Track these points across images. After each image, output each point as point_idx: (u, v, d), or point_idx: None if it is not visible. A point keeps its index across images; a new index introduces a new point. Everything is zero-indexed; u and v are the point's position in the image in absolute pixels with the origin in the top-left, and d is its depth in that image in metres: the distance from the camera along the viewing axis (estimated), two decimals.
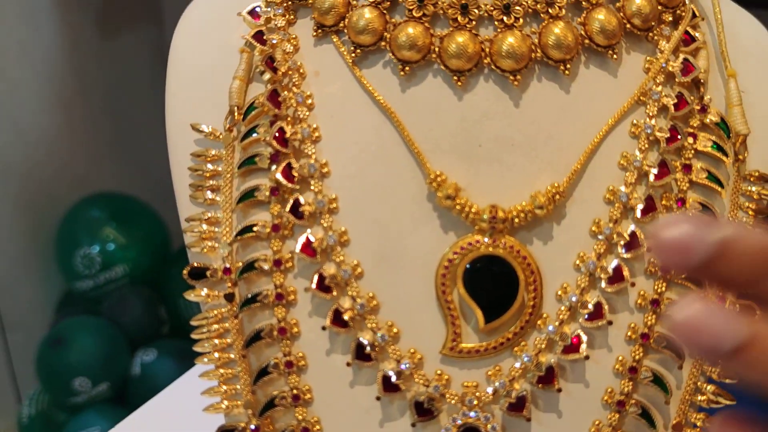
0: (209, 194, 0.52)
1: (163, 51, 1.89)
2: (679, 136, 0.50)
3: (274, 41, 0.52)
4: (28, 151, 1.73)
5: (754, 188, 0.51)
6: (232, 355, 0.52)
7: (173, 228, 1.82)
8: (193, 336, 0.51)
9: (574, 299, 0.50)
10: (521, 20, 0.50)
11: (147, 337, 1.72)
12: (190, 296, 0.51)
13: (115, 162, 1.88)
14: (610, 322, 0.49)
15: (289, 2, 0.52)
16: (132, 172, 1.88)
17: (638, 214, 0.50)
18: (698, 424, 0.51)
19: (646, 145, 0.50)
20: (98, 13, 1.82)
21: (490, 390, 0.50)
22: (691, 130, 0.51)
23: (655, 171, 0.50)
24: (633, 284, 0.50)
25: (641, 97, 0.51)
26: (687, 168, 0.50)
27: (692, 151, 0.50)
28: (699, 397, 0.51)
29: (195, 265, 0.51)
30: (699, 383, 0.51)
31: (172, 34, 0.56)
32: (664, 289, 0.50)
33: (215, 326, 0.51)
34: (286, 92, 0.51)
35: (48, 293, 1.79)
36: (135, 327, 1.72)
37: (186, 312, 1.73)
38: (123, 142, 1.89)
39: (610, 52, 0.51)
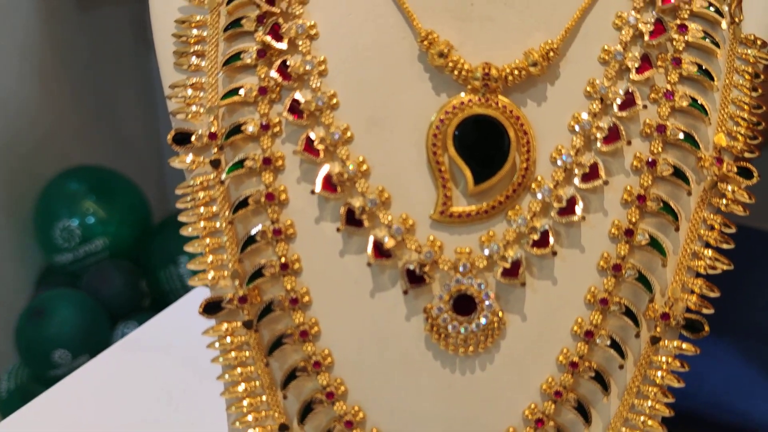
0: (194, 60, 0.50)
1: (144, 23, 1.87)
2: None
3: None
4: (6, 124, 1.70)
5: (749, 51, 0.50)
6: (218, 224, 0.50)
7: (154, 201, 1.80)
8: (178, 205, 0.50)
9: (568, 160, 0.48)
10: None
11: (127, 310, 1.69)
12: (175, 163, 0.50)
13: (95, 135, 1.86)
14: (606, 182, 0.48)
15: None
16: (112, 145, 1.86)
17: (633, 73, 0.49)
18: (695, 290, 0.49)
19: (642, 4, 0.49)
20: None
21: (485, 254, 0.49)
22: None
23: (650, 29, 0.49)
24: (629, 143, 0.48)
25: None
26: (683, 28, 0.49)
27: (688, 12, 0.49)
28: (697, 262, 0.49)
29: (179, 129, 0.50)
30: (696, 248, 0.49)
31: (149, 12, 0.54)
32: (660, 149, 0.49)
33: (201, 194, 0.50)
34: None
35: (27, 267, 1.75)
36: (115, 300, 1.69)
37: (167, 284, 1.71)
38: (103, 114, 1.87)
39: None
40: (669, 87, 0.49)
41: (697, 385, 1.04)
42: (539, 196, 0.48)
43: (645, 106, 0.48)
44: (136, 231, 1.77)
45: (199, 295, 1.00)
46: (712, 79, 0.49)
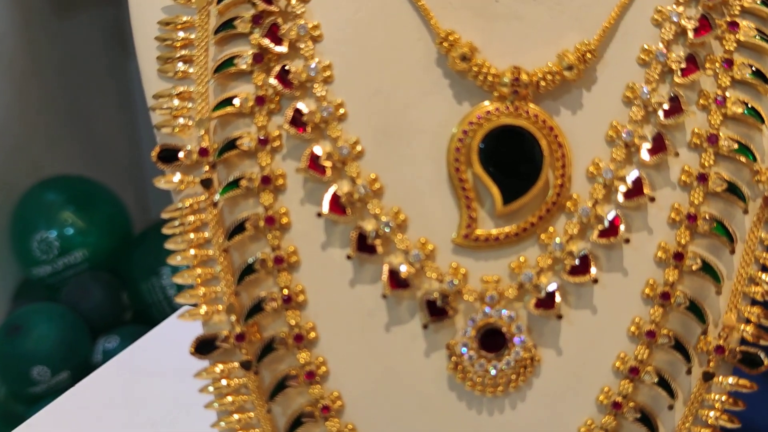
0: (180, 66, 0.44)
1: (120, 30, 1.81)
2: None
3: None
4: None
5: None
6: (210, 252, 0.44)
7: (134, 211, 1.73)
8: (165, 231, 0.44)
9: (609, 176, 0.43)
10: None
11: (109, 323, 1.64)
12: (161, 183, 0.44)
13: (73, 143, 1.79)
14: (652, 199, 0.43)
15: None
16: (90, 153, 1.80)
17: (678, 75, 0.43)
18: (752, 319, 0.44)
19: None
20: None
21: (516, 282, 0.43)
22: None
23: (695, 26, 0.43)
24: (677, 154, 0.43)
25: None
26: (733, 25, 0.44)
27: (739, 8, 0.44)
28: (753, 288, 0.44)
29: (165, 145, 0.44)
30: (752, 272, 0.44)
31: (128, 13, 0.48)
32: (712, 162, 0.43)
33: (191, 218, 0.44)
34: None
35: (4, 281, 1.69)
36: (96, 313, 1.64)
37: (149, 297, 1.65)
38: (80, 123, 1.80)
39: None
40: (720, 92, 0.43)
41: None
42: (575, 217, 0.43)
43: (694, 113, 0.43)
44: (117, 242, 1.71)
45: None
46: (767, 82, 0.43)
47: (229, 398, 0.44)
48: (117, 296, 1.68)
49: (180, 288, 0.45)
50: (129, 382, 0.85)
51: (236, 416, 0.45)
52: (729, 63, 0.43)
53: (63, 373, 1.56)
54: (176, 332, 0.89)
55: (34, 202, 1.70)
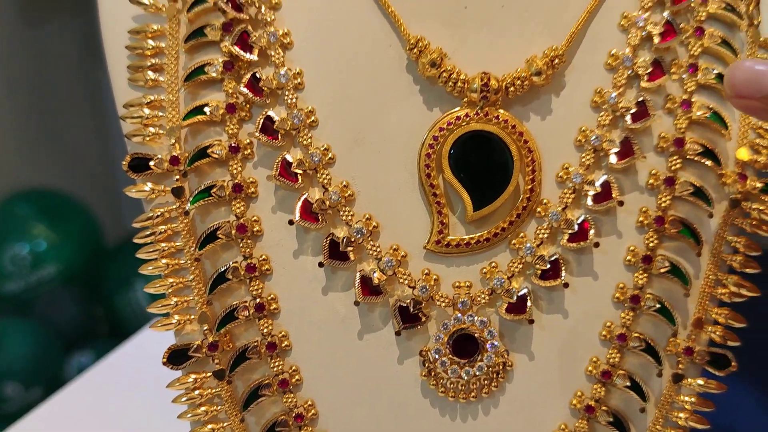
0: (151, 75, 0.44)
1: (93, 37, 1.80)
2: None
3: None
4: None
5: None
6: (182, 261, 0.44)
7: (107, 224, 1.72)
8: (136, 240, 0.43)
9: (578, 180, 0.43)
10: None
11: (83, 338, 1.62)
12: (132, 192, 0.43)
13: (44, 156, 1.77)
14: (621, 203, 0.43)
15: None
16: (62, 166, 1.78)
17: (645, 80, 0.43)
18: (720, 320, 0.44)
19: (650, 4, 0.44)
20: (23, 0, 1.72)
21: (487, 288, 0.43)
22: None
23: (660, 31, 0.44)
24: (644, 158, 0.43)
25: None
26: (699, 31, 0.44)
27: (705, 14, 0.44)
28: (720, 290, 0.44)
29: (136, 154, 0.43)
30: (719, 274, 0.44)
31: (99, 23, 0.48)
32: (679, 166, 0.43)
33: (162, 227, 0.43)
34: None
35: None
36: (69, 328, 1.62)
37: (124, 311, 1.63)
38: (52, 135, 1.78)
39: None
40: (686, 96, 0.44)
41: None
42: (546, 221, 0.43)
43: (660, 117, 0.43)
44: (90, 255, 1.69)
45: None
46: None
47: (203, 408, 0.44)
48: (91, 310, 1.66)
49: (153, 298, 0.44)
50: (101, 396, 0.84)
51: (209, 426, 0.44)
52: (694, 68, 0.44)
53: (36, 390, 1.53)
54: (149, 345, 0.89)
55: (5, 216, 1.67)
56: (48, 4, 1.78)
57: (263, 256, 0.43)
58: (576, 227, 0.43)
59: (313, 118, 0.43)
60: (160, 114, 0.44)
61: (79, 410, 0.82)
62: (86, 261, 1.68)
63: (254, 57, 0.43)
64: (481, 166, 0.43)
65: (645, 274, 0.44)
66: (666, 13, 0.44)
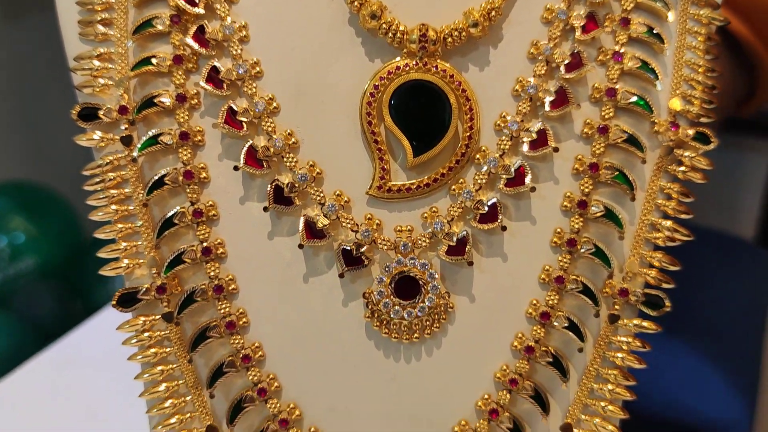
0: (101, 28, 0.45)
1: None
2: None
3: None
4: None
5: (702, 12, 0.47)
6: (131, 208, 0.45)
7: (86, 218, 1.72)
8: (86, 187, 0.45)
9: (514, 127, 0.45)
10: None
11: (61, 331, 1.61)
12: (82, 141, 0.45)
13: (21, 149, 1.78)
14: (556, 149, 0.45)
15: None
16: (40, 159, 1.79)
17: (579, 33, 0.45)
18: (655, 264, 0.46)
19: None
20: None
21: (428, 231, 0.44)
22: None
23: None
24: (578, 106, 0.45)
25: None
26: None
27: None
28: (655, 234, 0.46)
29: (86, 104, 0.45)
30: (654, 219, 0.46)
31: None
32: (612, 114, 0.45)
33: (111, 174, 0.45)
34: None
35: None
36: (47, 321, 1.61)
37: (102, 304, 1.63)
38: (30, 128, 1.79)
39: None
40: (617, 48, 0.45)
41: (650, 385, 1.02)
42: (485, 167, 0.45)
43: (594, 68, 0.45)
44: (69, 249, 1.70)
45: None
46: (662, 42, 0.46)
47: (152, 350, 0.45)
48: (70, 304, 1.66)
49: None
50: (61, 373, 0.85)
51: (159, 368, 0.46)
52: (626, 22, 0.46)
53: None
54: (107, 325, 0.90)
55: None
56: None
57: (210, 202, 0.45)
58: (513, 173, 0.44)
59: (258, 69, 0.45)
60: (110, 66, 0.45)
61: (41, 387, 0.83)
62: (65, 254, 1.68)
63: (201, 10, 0.44)
64: (420, 114, 0.45)
65: (581, 219, 0.45)
66: None
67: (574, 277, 0.45)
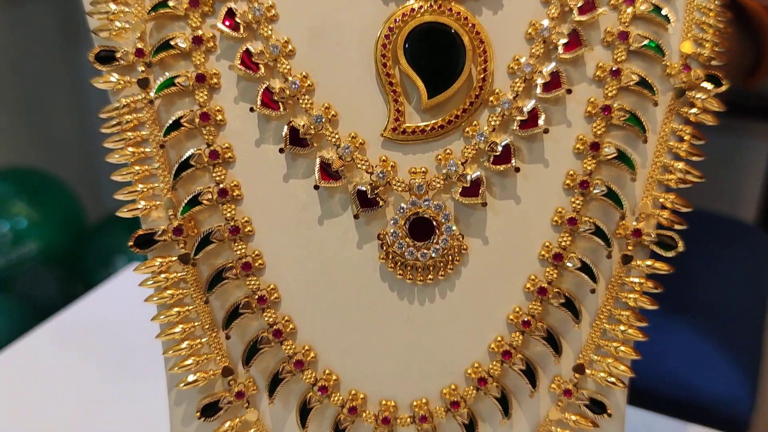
0: None
1: (72, 20, 1.81)
2: None
3: None
4: None
5: None
6: (148, 150, 0.45)
7: (87, 202, 1.73)
8: (103, 130, 0.45)
9: (528, 70, 0.45)
10: None
11: None
12: (99, 83, 0.45)
13: (24, 135, 1.78)
14: (569, 91, 0.45)
15: None
16: (42, 145, 1.79)
17: None
18: (667, 205, 0.46)
19: None
20: None
21: (442, 173, 0.45)
22: None
23: None
24: (591, 49, 0.45)
25: None
26: None
27: None
28: (667, 176, 0.46)
29: (103, 47, 0.45)
30: (666, 161, 0.46)
31: (80, 3, 0.50)
32: (624, 57, 0.45)
33: (128, 117, 0.45)
34: None
35: None
36: (50, 306, 1.61)
37: None
38: (33, 114, 1.79)
39: None
40: None
41: (654, 364, 1.02)
42: (498, 109, 0.45)
43: (606, 12, 0.45)
44: (71, 234, 1.70)
45: (128, 272, 0.95)
46: None
47: (169, 292, 0.46)
48: (72, 288, 1.67)
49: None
50: (73, 339, 0.85)
51: (176, 310, 0.46)
52: None
53: None
54: (118, 292, 0.90)
55: None
56: None
57: (226, 144, 0.45)
58: (526, 114, 0.45)
59: (273, 12, 0.45)
60: (126, 9, 0.45)
61: (52, 353, 0.83)
62: (67, 239, 1.69)
63: None
64: (434, 57, 0.45)
65: (593, 161, 0.46)
66: None
67: (586, 218, 0.46)
